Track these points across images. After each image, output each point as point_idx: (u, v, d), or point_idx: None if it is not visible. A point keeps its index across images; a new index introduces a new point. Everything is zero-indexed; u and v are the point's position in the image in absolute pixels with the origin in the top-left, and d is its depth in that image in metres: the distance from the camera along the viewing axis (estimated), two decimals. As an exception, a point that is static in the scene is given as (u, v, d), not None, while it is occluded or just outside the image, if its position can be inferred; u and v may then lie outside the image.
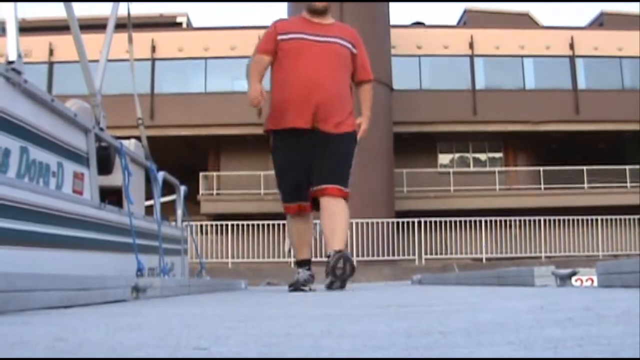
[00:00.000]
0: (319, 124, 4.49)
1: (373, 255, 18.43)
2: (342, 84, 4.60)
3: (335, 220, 4.41)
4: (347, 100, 4.67)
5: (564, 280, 3.42)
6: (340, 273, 4.10)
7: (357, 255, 17.18)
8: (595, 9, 49.39)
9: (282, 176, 4.70)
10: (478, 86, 25.65)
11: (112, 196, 4.70)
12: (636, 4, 29.36)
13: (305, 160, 4.53)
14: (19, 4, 3.31)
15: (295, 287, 4.48)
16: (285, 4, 22.05)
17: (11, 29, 3.19)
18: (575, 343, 0.87)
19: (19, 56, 3.16)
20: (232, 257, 19.32)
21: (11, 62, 3.12)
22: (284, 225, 19.43)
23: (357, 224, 17.90)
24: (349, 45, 4.66)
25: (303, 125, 4.48)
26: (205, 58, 25.23)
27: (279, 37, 4.57)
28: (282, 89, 4.54)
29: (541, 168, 25.91)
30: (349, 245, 18.64)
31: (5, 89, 3.07)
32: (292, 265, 18.26)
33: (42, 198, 3.29)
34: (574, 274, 3.45)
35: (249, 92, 4.45)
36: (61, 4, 4.16)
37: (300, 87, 4.46)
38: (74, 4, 4.22)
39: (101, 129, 4.44)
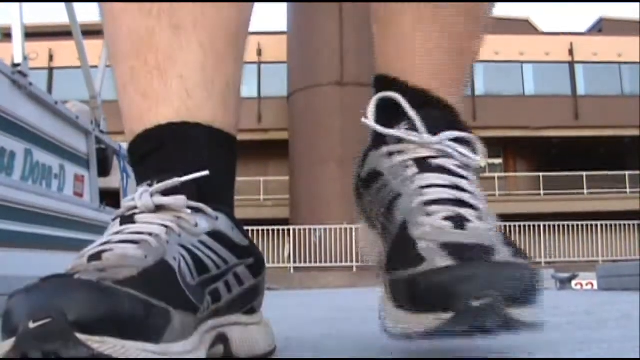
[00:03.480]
0: None
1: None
2: None
3: None
4: None
5: (564, 283, 3.43)
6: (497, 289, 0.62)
7: (356, 261, 17.15)
8: (595, 14, 49.59)
9: None
10: (477, 92, 25.67)
11: (109, 198, 4.71)
12: (636, 8, 29.45)
13: None
14: (24, 4, 3.31)
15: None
16: (285, 5, 22.07)
17: (17, 31, 3.19)
18: (576, 347, 0.87)
19: (25, 59, 3.16)
20: (232, 262, 19.27)
21: (17, 65, 3.12)
22: (283, 230, 19.55)
23: (356, 229, 17.85)
24: None
25: None
26: (205, 63, 25.25)
27: None
28: None
29: (541, 174, 25.93)
30: (350, 249, 18.62)
31: (11, 91, 3.07)
32: (292, 270, 18.21)
33: (46, 201, 3.30)
34: (574, 277, 3.46)
35: None
36: (62, 6, 4.17)
37: None
38: (75, 4, 4.23)
39: (101, 131, 4.45)
